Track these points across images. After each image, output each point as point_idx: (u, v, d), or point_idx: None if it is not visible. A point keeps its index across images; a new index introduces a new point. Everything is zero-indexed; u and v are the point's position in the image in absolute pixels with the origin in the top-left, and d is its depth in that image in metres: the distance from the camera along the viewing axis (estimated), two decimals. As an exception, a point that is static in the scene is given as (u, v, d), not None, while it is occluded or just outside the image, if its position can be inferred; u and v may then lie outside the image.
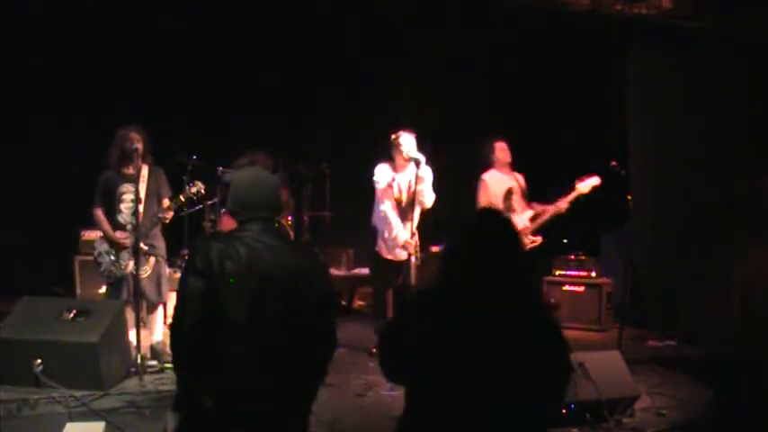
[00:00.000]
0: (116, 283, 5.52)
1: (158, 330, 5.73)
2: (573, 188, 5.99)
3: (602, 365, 4.51)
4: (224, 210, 6.87)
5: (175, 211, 5.68)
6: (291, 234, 7.10)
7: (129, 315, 5.29)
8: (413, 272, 5.75)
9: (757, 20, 6.73)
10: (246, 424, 2.65)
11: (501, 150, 6.24)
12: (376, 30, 7.89)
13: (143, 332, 5.28)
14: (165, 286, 5.63)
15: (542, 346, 2.36)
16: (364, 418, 4.54)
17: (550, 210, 6.09)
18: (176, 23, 7.65)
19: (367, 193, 6.09)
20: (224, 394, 2.63)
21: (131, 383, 5.01)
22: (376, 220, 6.04)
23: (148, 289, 5.48)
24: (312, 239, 7.44)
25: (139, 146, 5.43)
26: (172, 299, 5.47)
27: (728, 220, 6.77)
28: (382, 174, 6.00)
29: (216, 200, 6.86)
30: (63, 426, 3.95)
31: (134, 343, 5.24)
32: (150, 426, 4.16)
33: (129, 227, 5.45)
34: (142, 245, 5.35)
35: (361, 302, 8.70)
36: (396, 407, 2.51)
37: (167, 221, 5.60)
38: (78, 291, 7.34)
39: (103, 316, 5.01)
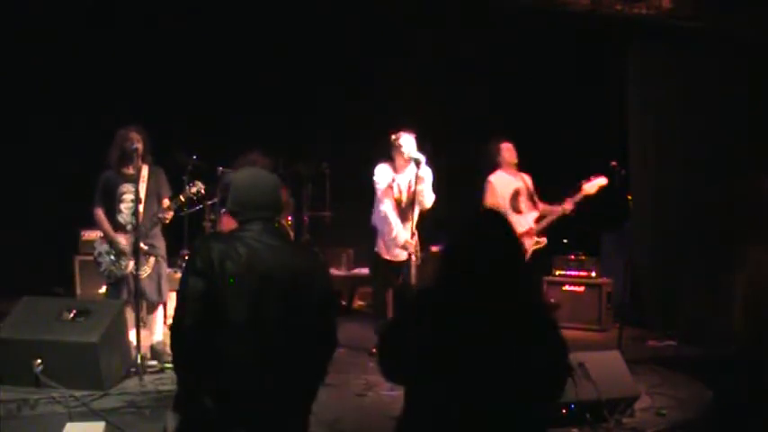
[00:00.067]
0: (116, 283, 5.52)
1: (158, 330, 5.73)
2: (579, 189, 5.97)
3: (602, 365, 4.51)
4: (224, 210, 6.88)
5: (175, 211, 5.68)
6: (291, 234, 7.10)
7: (129, 315, 5.29)
8: (413, 272, 5.75)
9: (757, 20, 6.73)
10: (246, 424, 2.65)
11: (507, 151, 6.22)
12: (376, 30, 7.89)
13: (143, 332, 5.28)
14: (165, 286, 5.63)
15: (542, 346, 2.36)
16: (364, 418, 4.54)
17: (556, 210, 6.08)
18: (176, 23, 7.65)
19: (367, 193, 6.09)
20: (224, 394, 2.63)
21: (131, 383, 5.01)
22: (376, 220, 6.04)
23: (148, 289, 5.48)
24: (312, 239, 7.44)
25: (139, 146, 5.43)
26: (172, 299, 5.49)
27: (728, 220, 6.78)
28: (382, 174, 5.99)
29: (216, 200, 6.86)
30: (63, 426, 3.95)
31: (134, 343, 5.23)
32: (150, 426, 4.16)
33: (129, 227, 5.44)
34: (142, 245, 5.35)
35: (361, 302, 8.70)
36: (396, 407, 2.51)
37: (167, 221, 5.60)
38: (78, 291, 7.34)
39: (103, 316, 5.01)
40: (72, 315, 4.99)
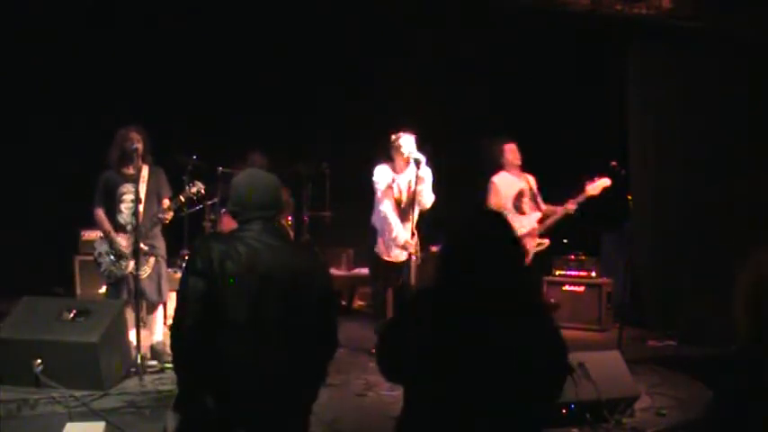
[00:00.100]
0: (116, 283, 5.51)
1: (158, 330, 5.73)
2: (583, 190, 5.97)
3: (602, 365, 4.51)
4: (224, 210, 6.88)
5: (175, 212, 5.68)
6: (291, 234, 7.10)
7: (129, 315, 5.29)
8: (413, 272, 5.75)
9: (757, 20, 6.73)
10: (246, 424, 2.65)
11: (511, 152, 6.21)
12: (376, 30, 7.89)
13: (143, 332, 5.28)
14: (165, 286, 5.62)
15: (542, 346, 2.36)
16: (364, 418, 4.54)
17: (560, 211, 6.08)
18: (176, 23, 7.65)
19: (367, 193, 6.09)
20: (224, 394, 2.63)
21: (131, 383, 5.00)
22: (375, 220, 6.04)
23: (148, 289, 5.48)
24: (312, 239, 7.44)
25: (139, 146, 5.43)
26: (172, 299, 5.48)
27: (728, 220, 6.78)
28: (382, 175, 5.99)
29: (216, 200, 6.87)
30: (63, 426, 3.95)
31: (134, 343, 5.23)
32: (150, 426, 4.16)
33: (129, 227, 5.44)
34: (142, 245, 5.35)
35: (361, 302, 8.70)
36: (396, 407, 2.51)
37: (167, 222, 5.60)
38: (78, 291, 7.33)
39: (103, 316, 5.00)
40: (72, 315, 4.99)
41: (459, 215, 2.59)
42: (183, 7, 7.57)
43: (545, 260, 7.63)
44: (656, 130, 7.76)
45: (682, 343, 6.71)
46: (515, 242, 2.49)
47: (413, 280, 5.73)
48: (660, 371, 5.74)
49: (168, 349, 3.62)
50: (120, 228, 5.52)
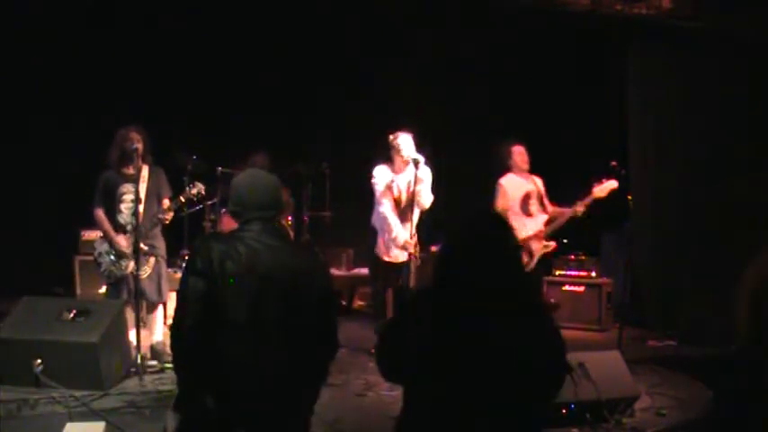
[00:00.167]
0: (116, 283, 5.51)
1: (158, 330, 5.73)
2: (590, 192, 5.96)
3: (602, 365, 4.51)
4: (224, 210, 6.89)
5: (175, 212, 5.67)
6: (291, 234, 7.10)
7: (129, 315, 5.29)
8: (413, 272, 5.75)
9: (757, 20, 6.73)
10: (246, 424, 2.65)
11: (519, 154, 6.20)
12: (376, 30, 7.89)
13: (143, 332, 5.28)
14: (165, 286, 5.62)
15: (541, 346, 2.36)
16: (364, 418, 4.54)
17: (567, 213, 6.07)
18: (176, 23, 7.65)
19: (367, 193, 6.09)
20: (224, 394, 2.63)
21: (131, 383, 5.00)
22: (375, 220, 6.04)
23: (148, 289, 5.48)
24: (312, 239, 7.45)
25: (139, 146, 5.43)
26: (172, 299, 5.49)
27: (728, 220, 6.78)
28: (381, 175, 5.99)
29: (216, 200, 6.87)
30: (63, 426, 3.95)
31: (134, 343, 5.23)
32: (150, 426, 4.16)
33: (129, 227, 5.44)
34: (142, 245, 5.34)
35: (361, 302, 8.70)
36: (396, 407, 2.51)
37: (167, 222, 5.60)
38: (78, 291, 7.33)
39: (103, 316, 5.00)
40: (72, 315, 4.98)
41: (461, 216, 2.59)
42: (182, 7, 7.57)
43: (545, 260, 7.64)
44: (656, 130, 7.76)
45: (682, 343, 6.71)
46: (515, 242, 2.49)
47: (413, 280, 5.73)
48: (660, 371, 5.74)
49: (168, 349, 3.62)
50: (120, 228, 5.51)
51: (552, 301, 7.55)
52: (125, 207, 5.49)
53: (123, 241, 5.45)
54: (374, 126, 6.55)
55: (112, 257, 5.48)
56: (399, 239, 5.86)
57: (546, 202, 6.22)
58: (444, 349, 2.31)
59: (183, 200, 5.56)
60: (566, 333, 2.44)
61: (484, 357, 2.28)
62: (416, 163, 5.71)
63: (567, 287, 7.76)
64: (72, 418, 4.17)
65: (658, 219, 7.70)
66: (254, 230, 2.77)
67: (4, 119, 7.46)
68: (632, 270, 7.07)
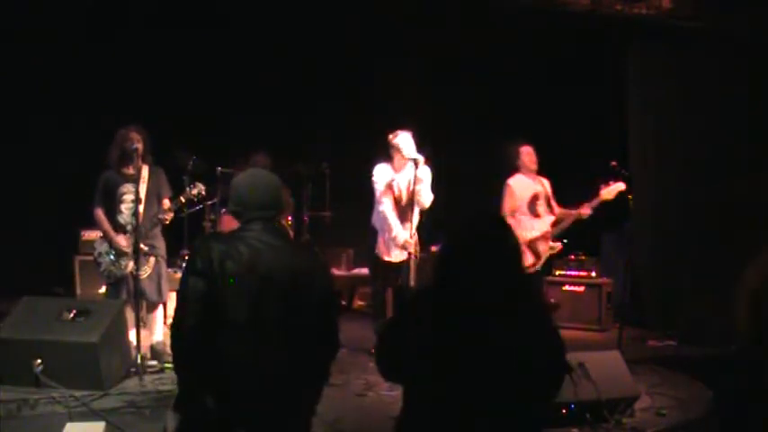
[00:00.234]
0: (116, 283, 5.51)
1: (158, 330, 5.73)
2: (597, 194, 5.97)
3: (602, 365, 4.51)
4: (224, 210, 6.89)
5: (175, 212, 5.68)
6: (291, 234, 7.10)
7: (129, 315, 5.29)
8: (412, 272, 5.75)
9: (757, 20, 6.73)
10: (246, 424, 2.65)
11: (527, 155, 6.19)
12: (376, 30, 7.89)
13: (143, 332, 5.27)
14: (165, 286, 5.62)
15: (541, 346, 2.36)
16: (364, 418, 4.54)
17: (573, 215, 6.08)
18: (176, 23, 7.65)
19: (367, 193, 6.08)
20: (224, 394, 2.63)
21: (131, 383, 5.00)
22: (375, 220, 6.04)
23: (148, 289, 5.48)
24: (312, 239, 7.44)
25: (139, 146, 5.43)
26: (172, 299, 5.48)
27: (728, 220, 6.78)
28: (381, 174, 5.99)
29: (216, 200, 6.87)
30: (63, 426, 3.95)
31: (134, 343, 5.23)
32: (150, 426, 4.16)
33: (129, 227, 5.44)
34: (142, 245, 5.34)
35: (361, 302, 8.70)
36: (396, 407, 2.51)
37: (167, 222, 5.60)
38: (78, 291, 7.34)
39: (103, 316, 5.00)
40: (72, 315, 4.99)
41: (461, 216, 2.59)
42: (182, 7, 7.57)
43: (547, 260, 7.63)
44: (656, 130, 7.76)
45: (682, 343, 6.72)
46: (515, 243, 2.49)
47: (412, 280, 5.72)
48: (660, 371, 5.74)
49: (168, 349, 3.62)
50: (120, 228, 5.51)
51: (552, 301, 7.54)
52: (125, 207, 5.49)
53: (123, 241, 5.45)
54: (374, 126, 6.55)
55: (112, 257, 5.48)
56: (399, 239, 5.86)
57: (553, 203, 6.22)
58: (444, 349, 2.31)
59: (183, 200, 5.57)
60: (566, 333, 2.44)
61: (484, 357, 2.28)
62: (416, 163, 5.71)
63: (567, 287, 7.76)
64: (72, 418, 4.17)
65: (658, 219, 7.70)
66: (256, 230, 2.77)
67: (4, 119, 7.46)
68: (632, 270, 7.07)
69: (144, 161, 5.53)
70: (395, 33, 7.91)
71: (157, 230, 5.62)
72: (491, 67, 8.14)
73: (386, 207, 5.93)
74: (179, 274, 5.29)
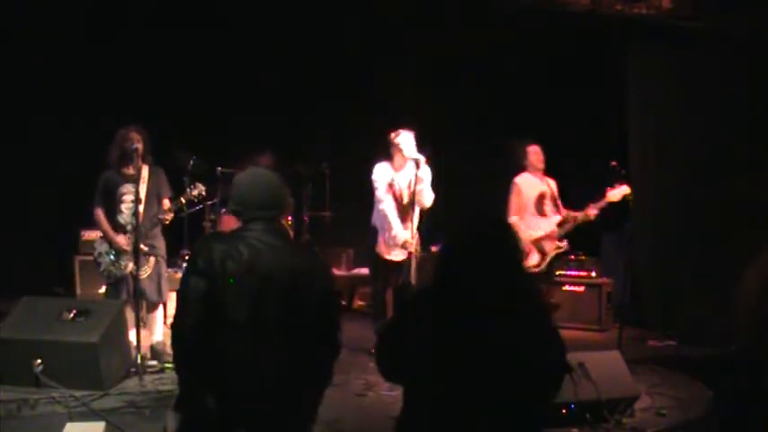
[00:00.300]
0: (116, 283, 5.51)
1: (158, 330, 5.73)
2: (603, 195, 5.97)
3: (602, 365, 4.51)
4: (224, 210, 6.89)
5: (175, 213, 5.68)
6: (291, 234, 7.10)
7: (129, 315, 5.29)
8: (413, 272, 5.75)
9: (757, 20, 6.73)
10: (246, 424, 2.65)
11: (534, 154, 6.20)
12: (376, 30, 7.89)
13: (143, 332, 5.27)
14: (165, 286, 5.62)
15: (541, 346, 2.36)
16: (364, 418, 4.54)
17: (579, 216, 6.09)
18: (176, 23, 7.65)
19: (367, 193, 6.08)
20: (224, 394, 2.63)
21: (131, 383, 5.00)
22: (376, 219, 6.04)
23: (148, 289, 5.47)
24: (312, 239, 7.44)
25: (139, 146, 5.43)
26: (172, 299, 5.48)
27: (728, 220, 6.78)
28: (381, 173, 5.99)
29: (216, 200, 6.87)
30: (63, 426, 3.95)
31: (134, 343, 5.23)
32: (150, 426, 4.16)
33: (129, 227, 5.44)
34: (142, 245, 5.34)
35: (361, 302, 8.70)
36: (396, 407, 2.51)
37: (167, 222, 5.60)
38: (78, 291, 7.33)
39: (103, 316, 5.00)
40: (72, 315, 4.99)
41: (461, 216, 2.59)
42: (182, 7, 7.57)
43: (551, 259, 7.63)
44: (656, 130, 7.76)
45: (682, 343, 6.72)
46: (515, 242, 2.49)
47: (413, 280, 5.73)
48: (660, 371, 5.74)
49: (168, 349, 3.62)
50: (120, 228, 5.51)
51: (552, 301, 7.54)
52: (125, 207, 5.49)
53: (123, 241, 5.45)
54: (374, 126, 6.55)
55: (112, 257, 5.48)
56: (399, 238, 5.86)
57: (559, 203, 6.23)
58: (444, 349, 2.31)
59: (183, 201, 5.57)
60: (566, 333, 2.44)
61: (484, 357, 2.28)
62: (417, 162, 5.71)
63: (567, 287, 7.76)
64: (72, 418, 4.17)
65: (658, 219, 7.70)
66: (257, 230, 2.77)
67: (4, 119, 7.46)
68: (632, 270, 7.07)
69: (144, 161, 5.53)
70: (395, 33, 7.91)
71: (157, 230, 5.61)
72: (491, 67, 8.14)
73: (386, 206, 5.93)
74: (179, 274, 5.30)
